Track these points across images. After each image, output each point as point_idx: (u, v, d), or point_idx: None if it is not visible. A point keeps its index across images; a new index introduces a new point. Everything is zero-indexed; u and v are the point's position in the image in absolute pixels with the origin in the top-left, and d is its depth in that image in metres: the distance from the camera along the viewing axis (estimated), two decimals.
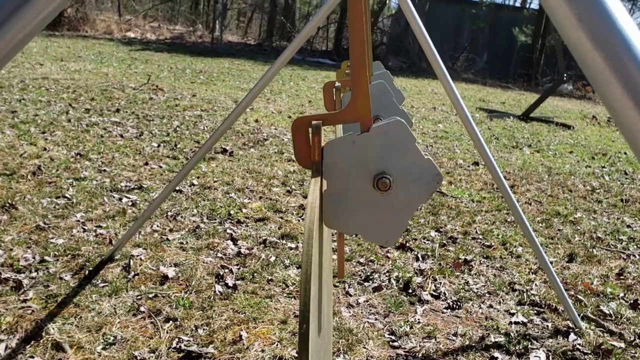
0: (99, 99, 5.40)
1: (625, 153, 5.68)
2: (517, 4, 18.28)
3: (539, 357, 1.86)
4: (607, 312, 2.19)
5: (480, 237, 2.85)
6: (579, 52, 0.37)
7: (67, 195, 2.79)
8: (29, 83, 5.79)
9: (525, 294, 2.27)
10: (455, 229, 2.92)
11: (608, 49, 0.36)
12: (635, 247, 2.93)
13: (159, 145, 3.94)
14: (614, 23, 0.37)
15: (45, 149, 3.52)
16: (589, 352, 1.90)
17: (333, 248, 2.21)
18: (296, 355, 1.74)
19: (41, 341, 1.69)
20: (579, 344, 1.94)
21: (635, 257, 2.79)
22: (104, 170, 3.25)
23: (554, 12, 0.37)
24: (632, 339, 2.01)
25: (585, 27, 0.35)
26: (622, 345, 1.96)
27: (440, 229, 2.91)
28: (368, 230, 0.57)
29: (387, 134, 0.53)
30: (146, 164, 3.47)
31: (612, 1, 0.38)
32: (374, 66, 1.38)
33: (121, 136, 4.09)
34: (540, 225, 3.13)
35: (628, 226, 3.26)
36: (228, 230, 2.60)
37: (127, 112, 4.96)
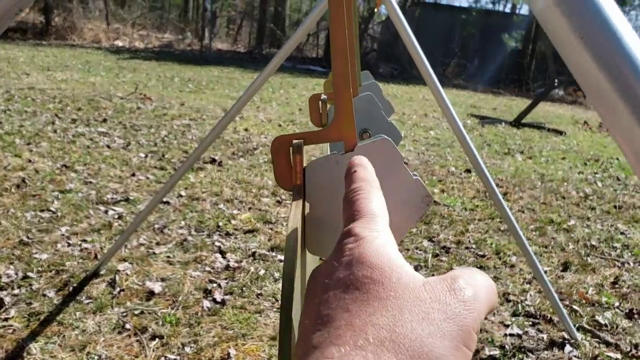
0: (86, 109, 5.33)
1: (618, 159, 5.68)
2: (507, 10, 18.36)
3: None
4: (603, 322, 2.15)
5: (474, 246, 2.81)
6: (581, 73, 0.33)
7: (51, 208, 2.73)
8: (15, 93, 5.72)
9: (519, 305, 2.23)
10: (448, 239, 2.88)
11: (614, 70, 0.32)
12: (629, 254, 2.90)
13: (146, 156, 3.88)
14: (619, 41, 0.33)
15: (30, 161, 3.45)
16: None
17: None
18: None
19: None
20: (575, 356, 1.91)
21: (630, 264, 2.76)
22: (90, 182, 3.19)
23: (553, 30, 0.32)
24: (628, 349, 1.97)
25: (588, 46, 0.31)
26: (619, 356, 1.93)
27: (433, 239, 2.87)
28: None
29: (373, 153, 0.49)
30: (133, 175, 3.41)
31: (616, 17, 0.34)
32: (362, 76, 1.34)
33: (108, 147, 4.03)
34: (534, 233, 3.10)
35: (622, 233, 3.23)
36: (216, 243, 2.55)
37: (114, 122, 4.90)
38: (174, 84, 7.92)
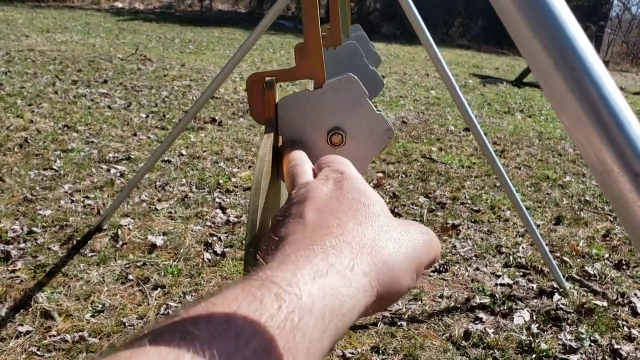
0: (86, 70, 5.34)
1: None
2: None
3: (523, 317, 1.89)
4: (592, 272, 2.22)
5: (469, 202, 2.86)
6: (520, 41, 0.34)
7: (54, 167, 2.79)
8: (15, 55, 5.72)
9: (511, 257, 2.30)
10: (444, 195, 2.94)
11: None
12: None
13: (147, 116, 3.92)
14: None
15: (32, 121, 3.50)
16: (572, 311, 1.93)
17: None
18: None
19: (30, 310, 1.71)
20: (563, 304, 1.97)
21: None
22: (92, 142, 3.24)
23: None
24: (615, 297, 2.04)
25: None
26: (605, 304, 1.99)
27: (429, 195, 2.92)
28: None
29: (340, 89, 0.53)
30: (134, 134, 3.46)
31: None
32: (351, 29, 1.37)
33: (109, 107, 4.06)
34: (529, 189, 3.15)
35: None
36: (217, 199, 2.60)
37: (114, 83, 4.92)
38: (174, 45, 7.89)
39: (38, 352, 1.55)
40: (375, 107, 0.54)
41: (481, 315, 1.88)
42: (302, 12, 0.53)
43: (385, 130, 0.53)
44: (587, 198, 3.05)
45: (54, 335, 1.62)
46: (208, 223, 2.36)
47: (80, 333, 1.63)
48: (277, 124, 0.54)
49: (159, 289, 1.87)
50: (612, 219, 2.80)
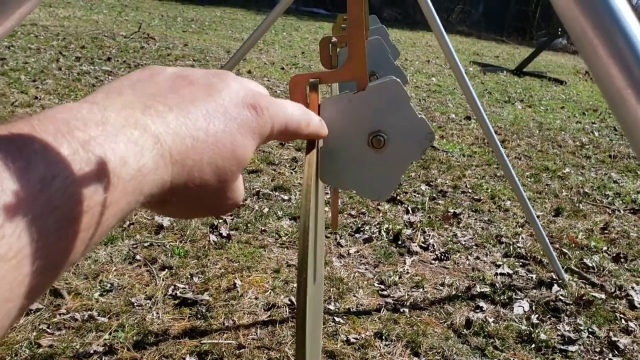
0: (90, 47, 5.32)
1: None
2: None
3: (523, 307, 1.93)
4: (590, 264, 2.25)
5: (470, 191, 2.89)
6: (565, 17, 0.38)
7: None
8: (17, 29, 5.68)
9: (511, 247, 2.33)
10: (446, 183, 2.97)
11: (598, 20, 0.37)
12: (620, 202, 2.99)
13: None
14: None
15: (36, 98, 3.49)
16: (571, 302, 1.97)
17: (326, 200, 2.24)
18: (289, 302, 1.80)
19: None
20: (562, 295, 2.01)
21: (620, 212, 2.85)
22: None
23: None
24: (612, 290, 2.08)
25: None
26: (603, 296, 2.03)
27: (431, 183, 2.95)
28: (362, 186, 0.60)
29: (383, 92, 0.55)
30: None
31: None
32: (370, 20, 1.38)
33: None
34: (529, 179, 3.18)
35: (615, 182, 3.31)
36: None
37: (118, 60, 4.91)
38: (177, 24, 7.85)
39: (48, 330, 1.58)
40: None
41: (482, 304, 1.92)
42: (348, 16, 0.54)
43: (426, 134, 0.55)
44: (586, 190, 3.08)
45: (63, 314, 1.64)
46: None
47: (89, 312, 1.65)
48: None
49: (166, 269, 1.89)
50: (610, 212, 2.84)
